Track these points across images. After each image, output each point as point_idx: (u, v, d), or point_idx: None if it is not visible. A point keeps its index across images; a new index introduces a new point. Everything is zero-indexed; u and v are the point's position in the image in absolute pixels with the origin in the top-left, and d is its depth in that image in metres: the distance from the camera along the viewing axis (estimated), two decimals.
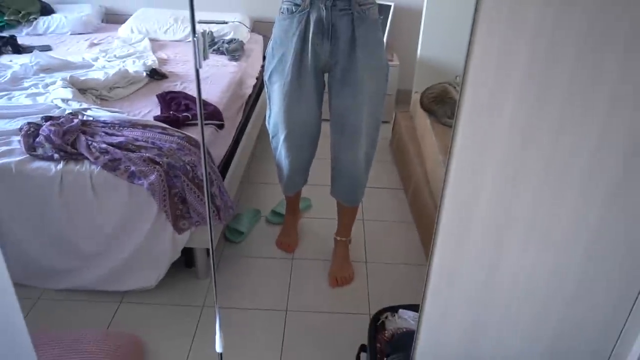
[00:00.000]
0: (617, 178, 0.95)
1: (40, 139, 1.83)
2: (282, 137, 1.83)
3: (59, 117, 1.98)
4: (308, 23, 1.61)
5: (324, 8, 1.58)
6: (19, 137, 1.88)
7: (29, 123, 1.92)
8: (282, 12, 1.68)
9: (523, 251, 1.05)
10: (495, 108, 0.90)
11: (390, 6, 3.31)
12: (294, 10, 1.63)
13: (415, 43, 3.11)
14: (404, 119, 2.97)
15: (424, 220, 2.30)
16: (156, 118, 2.08)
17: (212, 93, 2.40)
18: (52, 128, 1.83)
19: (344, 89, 1.71)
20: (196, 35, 0.76)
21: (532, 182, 0.97)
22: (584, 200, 0.98)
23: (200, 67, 0.80)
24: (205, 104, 2.24)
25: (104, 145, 1.81)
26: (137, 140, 1.87)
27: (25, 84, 2.39)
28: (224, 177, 2.15)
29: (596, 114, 0.89)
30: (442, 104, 2.55)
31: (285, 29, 1.67)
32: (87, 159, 1.78)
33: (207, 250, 1.96)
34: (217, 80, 2.58)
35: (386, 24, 3.33)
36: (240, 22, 3.26)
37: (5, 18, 3.20)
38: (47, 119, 1.96)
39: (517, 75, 0.87)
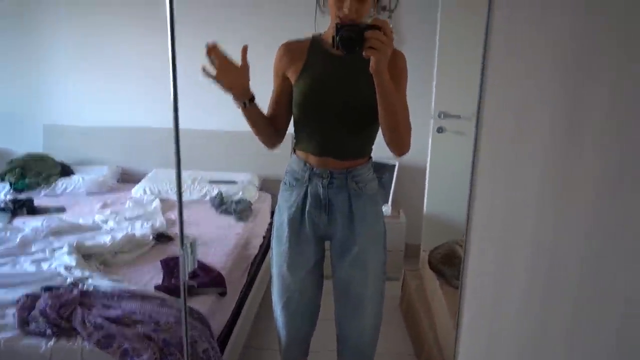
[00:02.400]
0: None
1: (35, 312, 1.79)
2: (280, 305, 1.77)
3: (58, 287, 1.96)
4: (306, 197, 1.65)
5: (320, 185, 1.62)
6: (14, 310, 1.84)
7: (27, 295, 1.89)
8: (285, 184, 1.73)
9: None
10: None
11: (394, 165, 3.42)
12: (294, 184, 1.67)
13: (421, 199, 3.16)
14: (412, 278, 2.90)
15: None
16: (157, 287, 2.05)
17: (217, 257, 2.39)
18: (49, 301, 1.80)
19: (344, 261, 1.69)
20: (184, 246, 0.75)
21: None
22: None
23: (186, 278, 0.78)
24: (208, 270, 2.22)
25: (99, 320, 1.75)
26: (134, 313, 1.82)
27: (33, 249, 2.41)
28: (224, 344, 2.05)
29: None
30: (451, 265, 2.50)
31: (286, 199, 1.71)
32: (80, 334, 1.72)
33: None
34: (222, 242, 2.59)
35: (391, 182, 3.42)
36: (249, 182, 3.37)
37: (27, 181, 3.35)
38: (47, 289, 1.94)
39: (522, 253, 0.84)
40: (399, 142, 1.55)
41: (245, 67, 1.51)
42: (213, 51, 1.46)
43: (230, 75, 1.48)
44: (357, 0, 1.44)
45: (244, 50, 1.50)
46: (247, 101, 1.55)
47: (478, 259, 0.90)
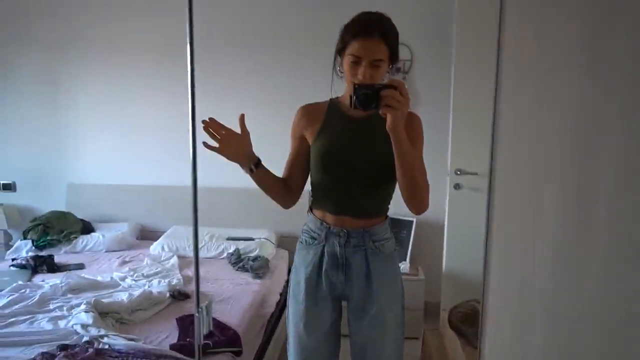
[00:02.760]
0: None
1: None
2: None
3: (74, 346, 1.95)
4: (323, 256, 1.64)
5: (337, 244, 1.62)
6: None
7: (42, 354, 1.88)
8: (301, 242, 1.72)
9: None
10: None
11: (412, 222, 3.41)
12: (310, 242, 1.67)
13: (440, 256, 3.12)
14: (433, 337, 2.82)
15: None
16: (172, 346, 2.02)
17: (233, 315, 2.37)
18: None
19: (362, 322, 1.65)
20: (200, 308, 0.76)
21: None
22: None
23: (201, 342, 0.78)
24: (224, 328, 2.19)
25: None
26: None
27: (51, 306, 2.42)
28: None
29: None
30: (472, 325, 2.43)
31: (302, 257, 1.70)
32: None
33: None
34: (239, 299, 2.57)
35: (409, 238, 3.39)
36: (266, 239, 3.38)
37: (49, 238, 3.40)
38: (63, 348, 1.93)
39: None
40: (417, 201, 1.54)
41: (245, 133, 1.54)
42: (211, 125, 1.49)
43: (232, 145, 1.51)
44: (370, 67, 1.48)
45: (242, 118, 1.53)
46: (253, 166, 1.58)
47: (496, 321, 0.89)
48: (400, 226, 3.43)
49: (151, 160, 3.84)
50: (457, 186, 3.02)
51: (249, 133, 1.55)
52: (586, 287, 0.80)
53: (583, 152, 0.82)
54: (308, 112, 1.69)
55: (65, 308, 2.37)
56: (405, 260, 3.34)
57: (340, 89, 1.67)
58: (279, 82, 3.60)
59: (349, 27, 1.52)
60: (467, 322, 2.46)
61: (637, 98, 0.72)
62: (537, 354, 0.85)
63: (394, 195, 1.67)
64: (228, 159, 1.53)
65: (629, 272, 0.73)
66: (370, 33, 1.47)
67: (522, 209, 0.91)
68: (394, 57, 1.55)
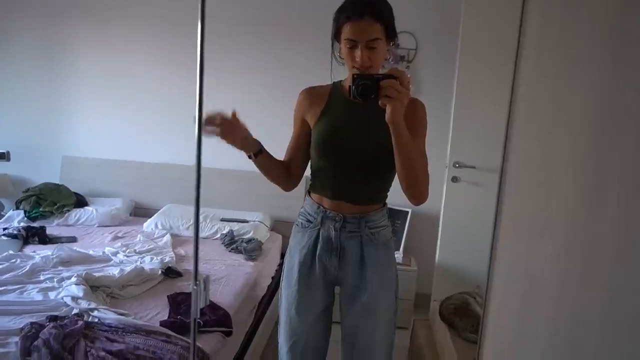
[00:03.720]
0: None
1: (38, 342, 1.76)
2: (285, 348, 1.73)
3: (64, 318, 1.93)
4: (318, 239, 1.63)
5: (333, 229, 1.61)
6: (18, 338, 1.81)
7: (31, 323, 1.87)
8: (297, 225, 1.72)
9: None
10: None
11: (407, 212, 3.40)
12: (306, 225, 1.66)
13: (434, 248, 3.13)
14: (422, 328, 2.83)
15: None
16: (162, 322, 2.01)
17: (225, 296, 2.36)
18: (54, 331, 1.77)
19: (353, 308, 1.65)
20: (197, 282, 0.75)
21: None
22: None
23: (197, 315, 0.77)
24: (215, 308, 2.18)
25: (102, 353, 1.72)
26: (138, 348, 1.78)
27: (41, 277, 2.40)
28: None
29: None
30: (463, 317, 2.44)
31: (297, 240, 1.70)
32: None
33: None
34: (231, 281, 2.56)
35: (404, 229, 3.39)
36: (260, 222, 3.36)
37: (41, 209, 3.37)
38: (52, 319, 1.92)
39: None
40: (416, 191, 1.53)
41: (235, 120, 1.51)
42: (211, 121, 1.46)
43: (231, 131, 1.50)
44: (367, 49, 1.46)
45: (234, 114, 1.51)
46: (252, 153, 1.58)
47: (498, 315, 0.88)
48: (395, 216, 3.42)
49: (148, 136, 3.81)
50: (455, 179, 3.01)
51: (239, 120, 1.52)
52: (593, 286, 0.79)
53: (596, 150, 0.80)
54: (310, 95, 1.67)
55: (55, 280, 2.35)
56: (398, 250, 3.34)
57: (341, 74, 1.65)
58: (288, 62, 3.55)
59: (340, 11, 1.50)
60: (459, 315, 2.46)
61: None
62: (540, 351, 0.85)
63: (392, 184, 1.66)
64: (230, 144, 1.52)
65: (638, 272, 0.72)
66: (361, 14, 1.44)
67: (531, 205, 0.90)
68: (390, 33, 1.52)
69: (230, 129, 1.50)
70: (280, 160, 1.69)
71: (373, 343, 1.65)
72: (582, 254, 0.81)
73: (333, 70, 1.62)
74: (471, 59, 2.88)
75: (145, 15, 3.69)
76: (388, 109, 1.38)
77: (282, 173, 1.68)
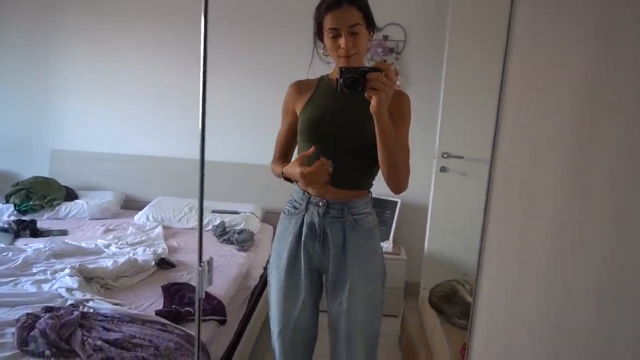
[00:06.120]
0: None
1: (35, 332, 1.77)
2: (276, 333, 1.76)
3: (59, 308, 1.95)
4: (302, 226, 1.67)
5: (316, 214, 1.64)
6: (14, 329, 1.83)
7: (27, 314, 1.88)
8: (284, 212, 1.75)
9: None
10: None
11: (397, 202, 3.45)
12: (292, 212, 1.70)
13: (423, 238, 3.18)
14: (412, 315, 2.88)
15: None
16: (158, 312, 2.04)
17: (218, 285, 2.39)
18: (50, 321, 1.79)
19: (336, 294, 1.68)
20: (202, 263, 0.78)
21: None
22: None
23: (202, 296, 0.80)
24: (208, 297, 2.21)
25: (99, 342, 1.74)
26: (134, 337, 1.81)
27: (34, 270, 2.41)
28: None
29: None
30: (452, 304, 2.49)
31: (284, 227, 1.73)
32: (80, 356, 1.71)
33: None
34: (224, 271, 2.59)
35: (393, 219, 3.44)
36: (252, 213, 3.39)
37: (31, 203, 3.37)
38: (48, 309, 1.93)
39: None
40: (396, 181, 1.58)
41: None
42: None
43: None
44: (350, 35, 1.53)
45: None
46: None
47: (487, 301, 0.91)
48: (384, 206, 3.47)
49: (138, 130, 3.81)
50: (443, 169, 3.06)
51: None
52: (583, 271, 0.82)
53: (583, 138, 0.83)
54: (298, 86, 1.73)
55: (49, 272, 2.36)
56: (388, 240, 3.39)
57: (319, 71, 1.70)
58: (287, 54, 3.54)
59: (319, 6, 1.58)
60: (448, 301, 2.52)
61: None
62: (530, 335, 0.88)
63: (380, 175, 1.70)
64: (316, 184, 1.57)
65: (625, 262, 0.75)
66: (340, 3, 1.53)
67: (520, 193, 0.93)
68: (369, 22, 1.59)
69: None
70: (286, 159, 1.75)
71: (356, 331, 1.67)
72: (571, 240, 0.84)
73: (315, 70, 1.68)
74: (459, 50, 2.92)
75: (135, 7, 3.68)
76: (373, 101, 1.43)
77: None
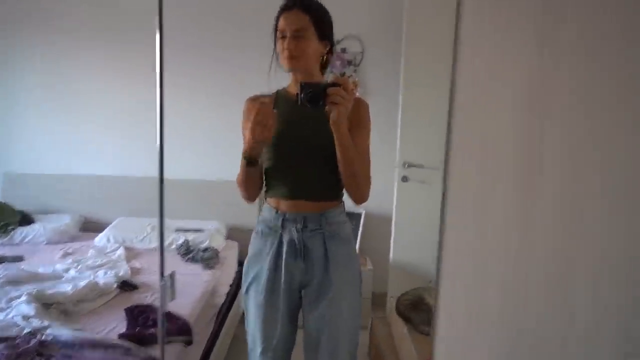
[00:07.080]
0: None
1: None
2: (258, 351, 1.73)
3: (15, 337, 1.87)
4: (281, 244, 1.65)
5: (295, 230, 1.63)
6: None
7: None
8: (257, 232, 1.72)
9: None
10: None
11: (361, 214, 3.47)
12: (267, 232, 1.68)
13: (388, 247, 3.20)
14: (380, 325, 2.90)
15: None
16: (121, 335, 1.98)
17: (184, 305, 2.34)
18: (5, 352, 1.72)
19: (318, 306, 1.67)
20: (164, 278, 0.76)
21: None
22: None
23: (166, 310, 0.78)
24: (173, 317, 2.16)
25: None
26: None
27: None
28: None
29: None
30: (419, 311, 2.52)
31: (259, 248, 1.70)
32: None
33: None
34: (190, 290, 2.54)
35: (358, 230, 3.46)
36: (216, 230, 3.35)
37: None
38: (3, 339, 1.85)
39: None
40: (356, 191, 1.62)
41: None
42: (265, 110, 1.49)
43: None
44: (294, 38, 1.56)
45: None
46: (255, 159, 1.57)
47: (449, 307, 0.92)
48: (349, 218, 3.47)
49: (94, 150, 3.72)
50: (404, 178, 3.09)
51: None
52: (535, 272, 0.85)
53: (531, 138, 0.86)
54: (255, 102, 1.70)
55: (4, 300, 2.27)
56: None
57: (279, 79, 1.70)
58: (245, 66, 3.51)
59: (278, 9, 1.62)
60: (415, 309, 2.54)
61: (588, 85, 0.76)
62: (490, 337, 0.90)
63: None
64: (265, 137, 1.51)
65: (574, 254, 0.78)
66: (291, 7, 1.58)
67: (474, 198, 0.96)
68: (322, 31, 1.61)
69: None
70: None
71: (338, 336, 1.66)
72: (522, 242, 0.87)
73: (275, 75, 1.67)
74: (416, 58, 2.98)
75: (86, 24, 3.61)
76: (333, 113, 1.48)
77: (259, 182, 1.70)
